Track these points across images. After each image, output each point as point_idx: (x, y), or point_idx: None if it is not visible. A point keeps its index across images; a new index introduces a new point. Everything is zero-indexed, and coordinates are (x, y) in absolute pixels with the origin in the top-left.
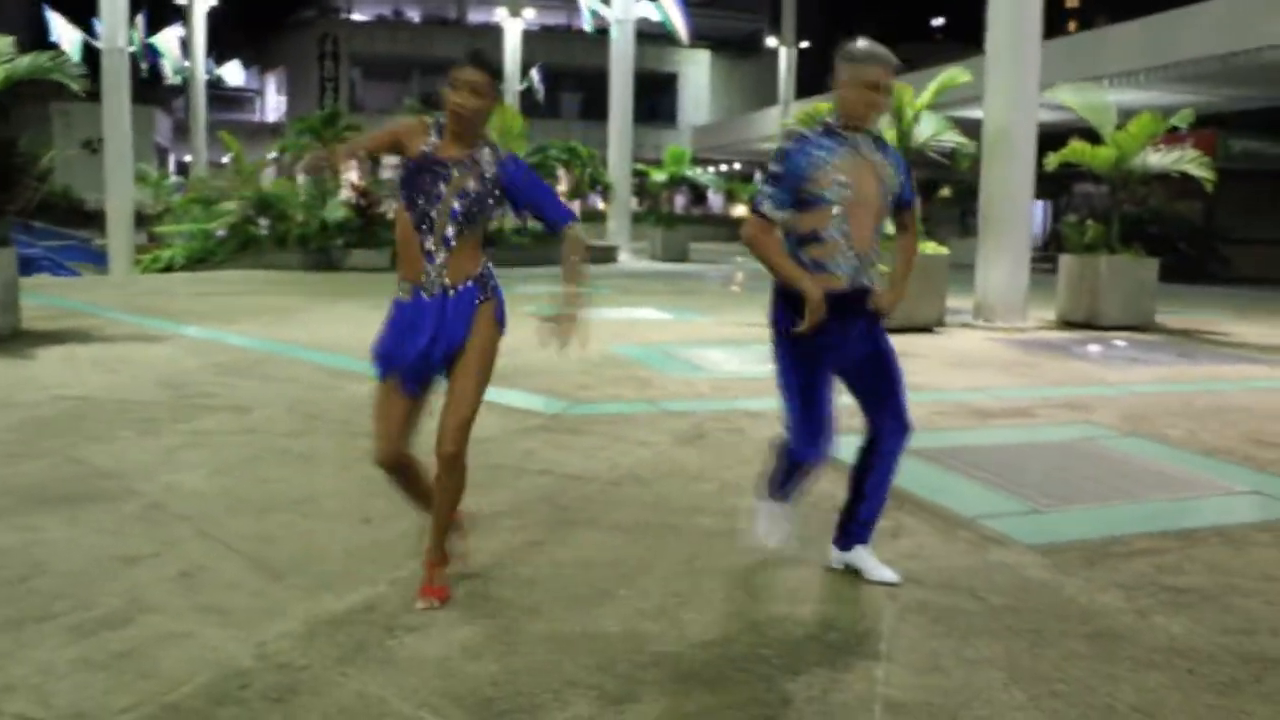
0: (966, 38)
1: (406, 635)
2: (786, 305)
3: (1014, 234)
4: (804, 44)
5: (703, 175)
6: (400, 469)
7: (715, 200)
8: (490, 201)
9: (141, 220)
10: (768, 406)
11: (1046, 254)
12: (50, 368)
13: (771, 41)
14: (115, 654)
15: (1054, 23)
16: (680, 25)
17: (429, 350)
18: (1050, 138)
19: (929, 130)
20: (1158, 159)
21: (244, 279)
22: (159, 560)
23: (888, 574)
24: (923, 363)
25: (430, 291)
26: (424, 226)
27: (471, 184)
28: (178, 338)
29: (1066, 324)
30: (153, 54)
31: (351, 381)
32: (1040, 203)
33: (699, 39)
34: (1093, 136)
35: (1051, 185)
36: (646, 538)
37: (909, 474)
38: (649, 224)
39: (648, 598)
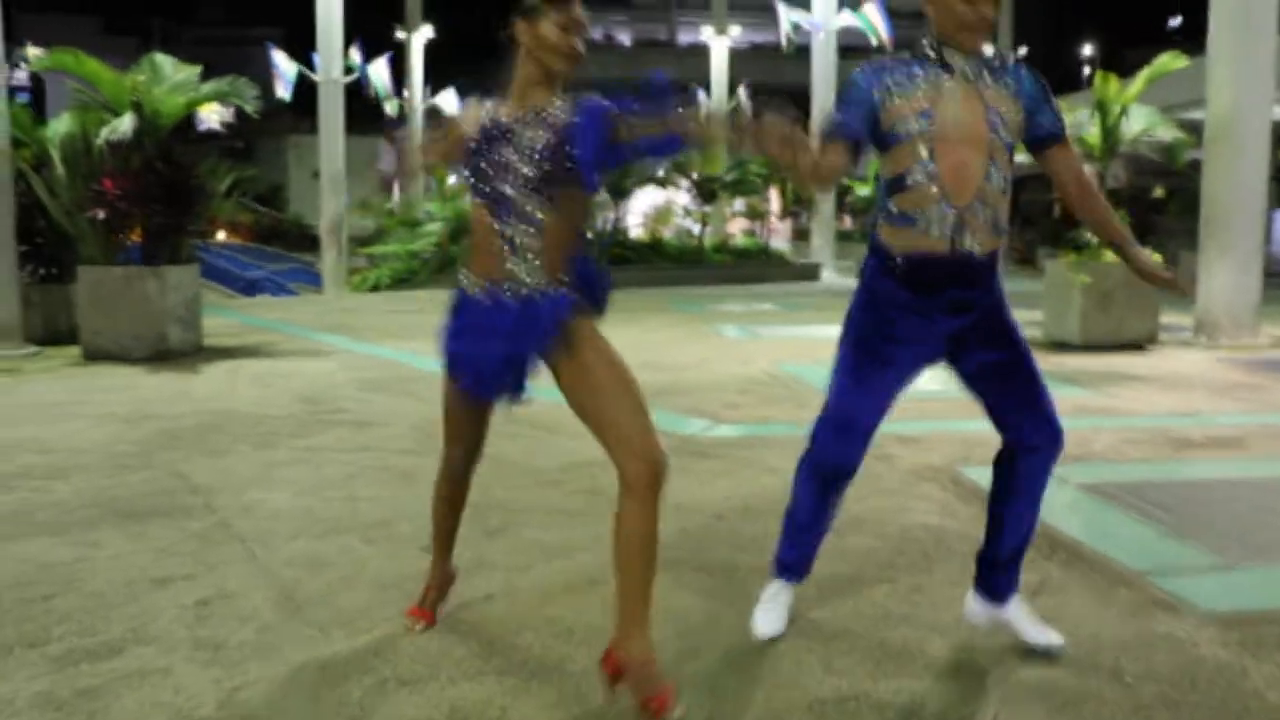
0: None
1: (399, 689)
2: (876, 257)
3: (1242, 238)
4: (1022, 49)
5: None
6: (463, 479)
7: None
8: (571, 156)
9: (366, 244)
10: (925, 430)
11: None
12: (209, 381)
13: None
14: (79, 690)
15: None
16: (884, 31)
17: (510, 359)
18: None
19: (1139, 125)
20: None
21: (438, 299)
22: (189, 584)
23: (1049, 637)
24: (1122, 383)
25: (516, 292)
26: (500, 209)
27: (541, 134)
28: (343, 353)
29: None
30: (364, 82)
31: None
32: None
33: (906, 49)
34: None
35: None
36: (729, 584)
37: (1072, 512)
38: (855, 240)
39: (698, 656)
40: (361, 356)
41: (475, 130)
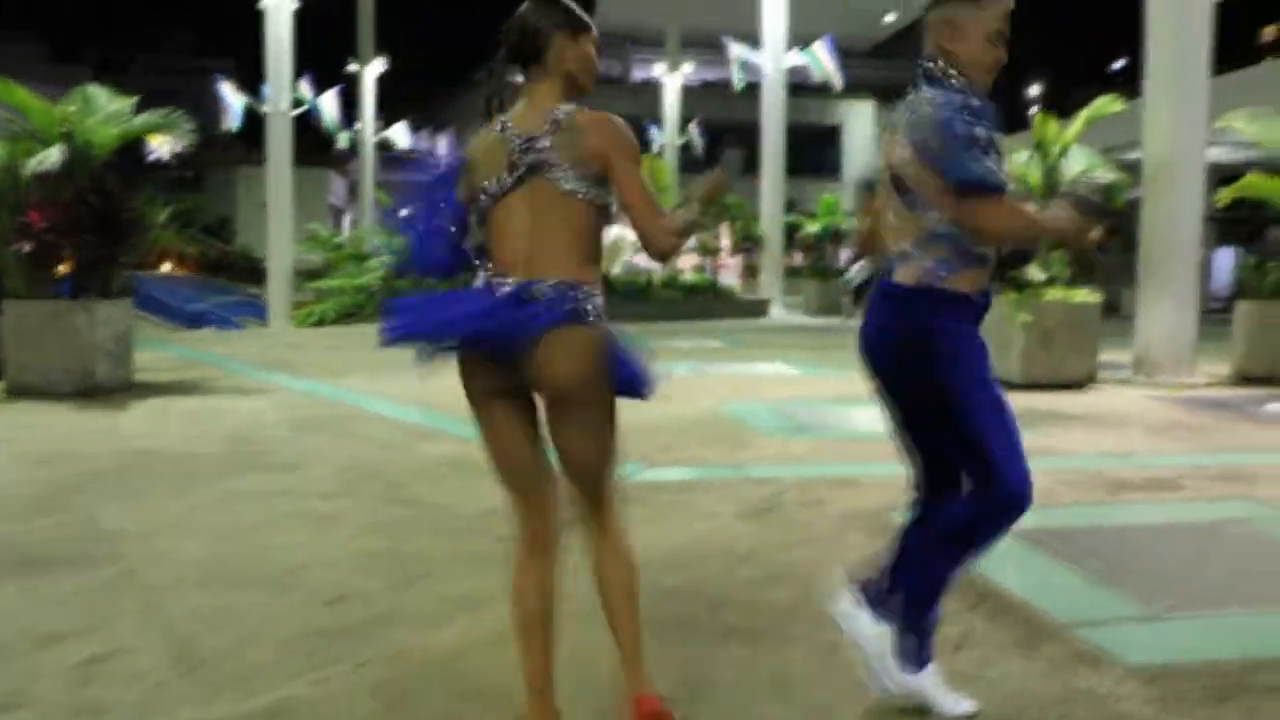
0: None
1: None
2: (953, 306)
3: (1179, 277)
4: None
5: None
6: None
7: None
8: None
9: (313, 277)
10: (858, 473)
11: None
12: (136, 420)
13: None
14: None
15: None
16: (833, 71)
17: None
18: (1236, 177)
19: (1079, 165)
20: None
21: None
22: (79, 641)
23: (962, 707)
24: (1061, 423)
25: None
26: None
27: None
28: (280, 391)
29: (1244, 380)
30: (313, 114)
31: (425, 441)
32: (1230, 250)
33: (861, 89)
34: None
35: (1242, 229)
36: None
37: (1001, 560)
38: (804, 277)
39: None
40: (298, 394)
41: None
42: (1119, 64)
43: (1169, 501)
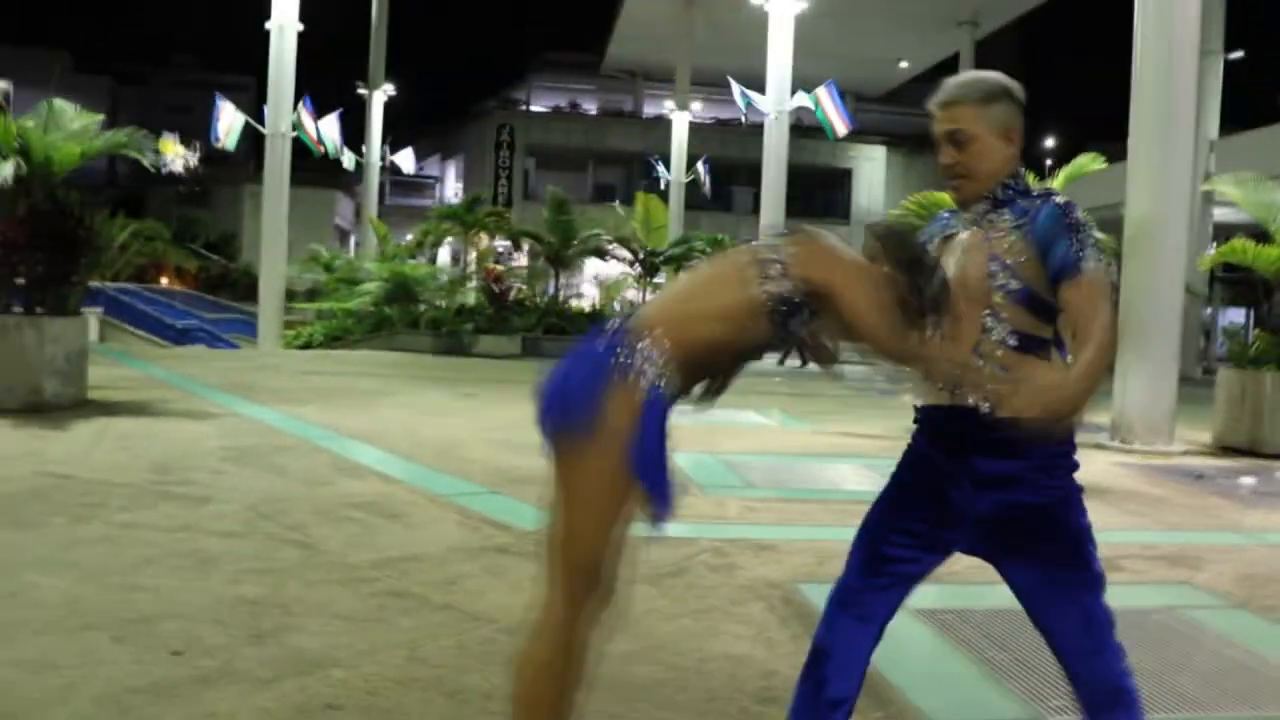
0: None
1: None
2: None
3: (1157, 344)
4: None
5: None
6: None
7: None
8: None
9: (313, 297)
10: (783, 536)
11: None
12: (68, 440)
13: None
14: None
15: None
16: (837, 120)
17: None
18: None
19: None
20: None
21: (364, 359)
22: None
23: None
24: None
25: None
26: None
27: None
28: (230, 417)
29: (1224, 450)
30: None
31: (350, 478)
32: (1237, 311)
33: (874, 134)
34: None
35: (1250, 291)
36: (473, 714)
37: (904, 648)
38: None
39: None
40: (246, 420)
41: None
42: None
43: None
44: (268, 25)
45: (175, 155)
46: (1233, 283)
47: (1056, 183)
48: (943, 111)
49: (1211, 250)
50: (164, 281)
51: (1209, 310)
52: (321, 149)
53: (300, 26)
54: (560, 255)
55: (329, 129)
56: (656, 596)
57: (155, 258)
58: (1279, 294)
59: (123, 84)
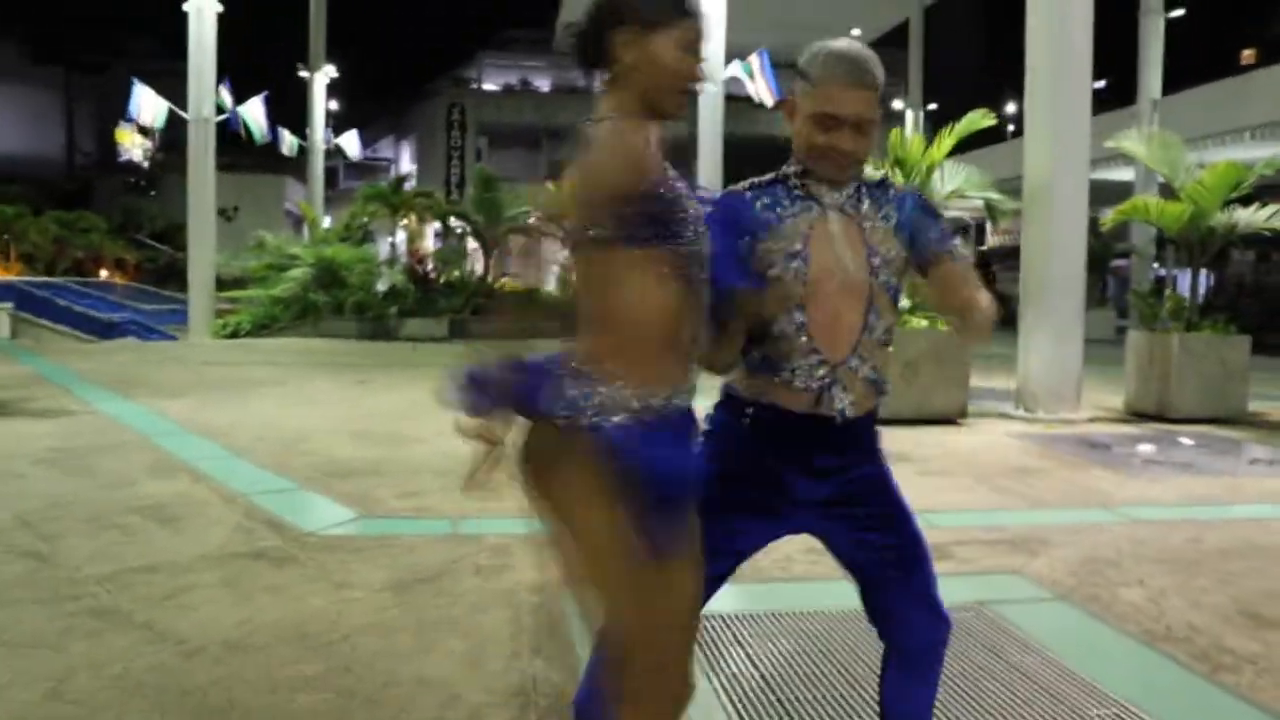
0: (1130, 99)
1: None
2: (726, 408)
3: (1058, 308)
4: (932, 105)
5: None
6: None
7: None
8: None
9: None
10: None
11: None
12: None
13: (897, 104)
14: None
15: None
16: (765, 92)
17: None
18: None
19: (952, 184)
20: (1248, 216)
21: (280, 347)
22: None
23: None
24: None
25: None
26: None
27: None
28: (87, 414)
29: (1134, 415)
30: (235, 123)
31: (161, 478)
32: (1190, 273)
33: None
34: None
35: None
36: None
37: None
38: None
39: None
40: (99, 418)
41: None
42: (1100, 84)
43: None
44: (185, 7)
45: (132, 145)
46: (1188, 244)
47: (946, 142)
48: (856, 93)
49: (1108, 212)
50: (103, 274)
51: (1163, 271)
52: (244, 134)
53: (220, 8)
54: (487, 234)
55: (254, 112)
56: (395, 605)
57: (93, 249)
58: (1232, 254)
59: (81, 73)
